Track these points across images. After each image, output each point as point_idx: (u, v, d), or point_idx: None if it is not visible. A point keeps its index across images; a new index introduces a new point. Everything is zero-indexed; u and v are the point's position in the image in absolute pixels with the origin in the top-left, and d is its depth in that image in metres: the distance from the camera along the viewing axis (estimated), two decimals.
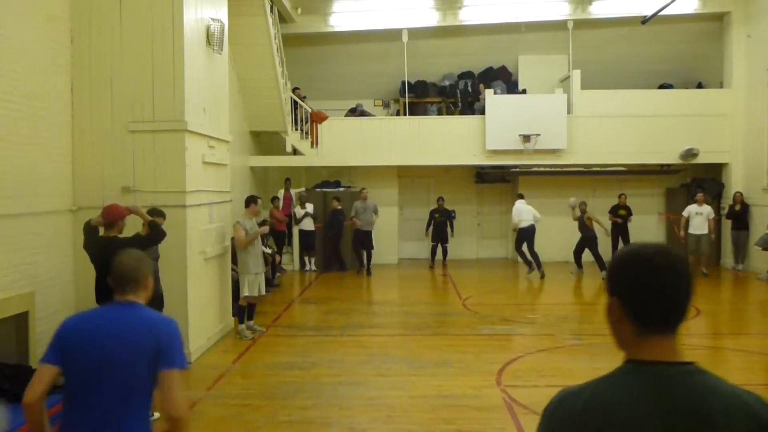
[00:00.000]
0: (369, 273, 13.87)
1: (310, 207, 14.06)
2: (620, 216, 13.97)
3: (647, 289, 1.43)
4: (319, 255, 14.53)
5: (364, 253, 14.00)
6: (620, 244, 14.34)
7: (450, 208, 14.86)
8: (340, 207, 13.99)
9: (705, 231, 13.01)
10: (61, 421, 2.58)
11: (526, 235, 12.97)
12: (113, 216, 5.42)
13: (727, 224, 14.21)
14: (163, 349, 2.50)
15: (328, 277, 13.66)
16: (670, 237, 15.33)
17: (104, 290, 5.40)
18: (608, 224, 13.86)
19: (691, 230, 13.07)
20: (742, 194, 13.79)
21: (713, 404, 1.35)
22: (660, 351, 1.42)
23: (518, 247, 13.28)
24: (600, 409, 1.37)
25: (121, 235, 5.51)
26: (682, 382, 1.38)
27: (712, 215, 13.14)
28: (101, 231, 5.53)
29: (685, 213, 13.28)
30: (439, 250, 14.75)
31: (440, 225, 14.59)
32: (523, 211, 13.06)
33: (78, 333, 2.57)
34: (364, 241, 13.95)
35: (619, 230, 13.93)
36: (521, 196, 13.61)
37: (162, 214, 6.33)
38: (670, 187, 15.81)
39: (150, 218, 5.89)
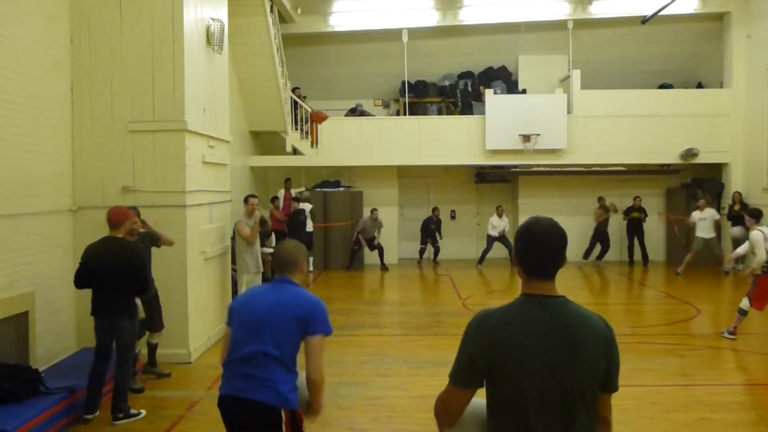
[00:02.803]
0: (385, 268, 14.45)
1: (306, 206, 13.96)
2: (633, 218, 14.86)
3: (529, 254, 2.14)
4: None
5: (356, 253, 14.69)
6: (636, 245, 15.16)
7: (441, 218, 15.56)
8: (301, 207, 13.72)
9: (713, 234, 13.17)
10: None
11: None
12: (118, 218, 5.52)
13: (727, 225, 14.20)
14: (307, 319, 3.05)
15: (328, 277, 13.67)
16: (669, 236, 15.35)
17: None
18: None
19: (699, 233, 13.26)
20: (741, 194, 13.79)
21: (576, 322, 2.07)
22: (542, 289, 2.11)
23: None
24: (506, 324, 2.07)
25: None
26: (557, 309, 2.08)
27: (716, 217, 13.28)
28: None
29: (691, 219, 13.47)
30: (430, 249, 15.46)
31: (432, 233, 15.30)
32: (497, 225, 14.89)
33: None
34: (368, 244, 14.56)
35: (635, 230, 15.02)
36: (500, 212, 14.88)
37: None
38: (670, 187, 15.81)
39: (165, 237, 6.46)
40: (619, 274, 14.07)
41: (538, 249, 2.11)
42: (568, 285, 12.65)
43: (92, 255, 5.40)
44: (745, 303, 7.87)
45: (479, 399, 2.19)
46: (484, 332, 2.06)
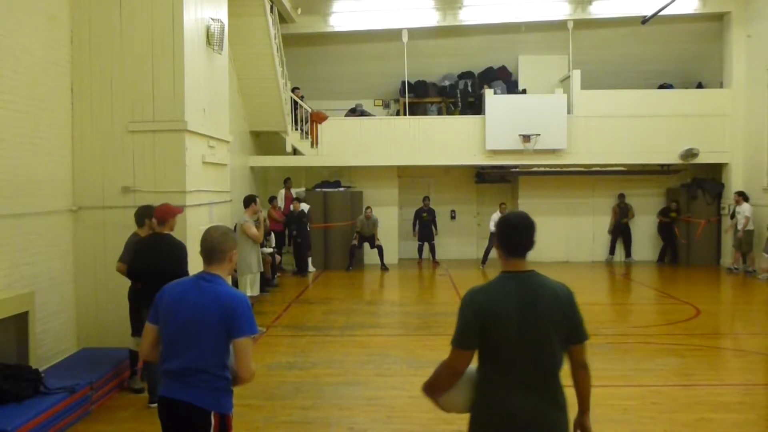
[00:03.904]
0: (385, 268, 14.43)
1: (304, 206, 13.94)
2: (671, 218, 15.15)
3: (506, 237, 2.74)
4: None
5: (355, 253, 14.63)
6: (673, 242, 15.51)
7: (433, 208, 15.39)
8: (301, 208, 13.65)
9: (749, 228, 13.22)
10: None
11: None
12: (166, 215, 5.74)
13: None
14: (229, 319, 2.95)
15: (328, 277, 13.67)
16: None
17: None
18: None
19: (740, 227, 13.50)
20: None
21: (540, 291, 2.66)
22: (516, 266, 2.72)
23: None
24: (491, 297, 2.66)
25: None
26: (527, 281, 2.69)
27: (740, 226, 13.31)
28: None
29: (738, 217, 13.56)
30: (426, 248, 15.38)
31: (427, 224, 15.18)
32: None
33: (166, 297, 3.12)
34: (368, 242, 14.58)
35: (667, 231, 15.35)
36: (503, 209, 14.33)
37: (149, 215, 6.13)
38: (670, 187, 15.81)
39: None
40: (619, 273, 14.08)
41: (513, 234, 2.73)
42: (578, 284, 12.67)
43: (141, 249, 5.72)
44: None
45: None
46: (475, 303, 2.65)
